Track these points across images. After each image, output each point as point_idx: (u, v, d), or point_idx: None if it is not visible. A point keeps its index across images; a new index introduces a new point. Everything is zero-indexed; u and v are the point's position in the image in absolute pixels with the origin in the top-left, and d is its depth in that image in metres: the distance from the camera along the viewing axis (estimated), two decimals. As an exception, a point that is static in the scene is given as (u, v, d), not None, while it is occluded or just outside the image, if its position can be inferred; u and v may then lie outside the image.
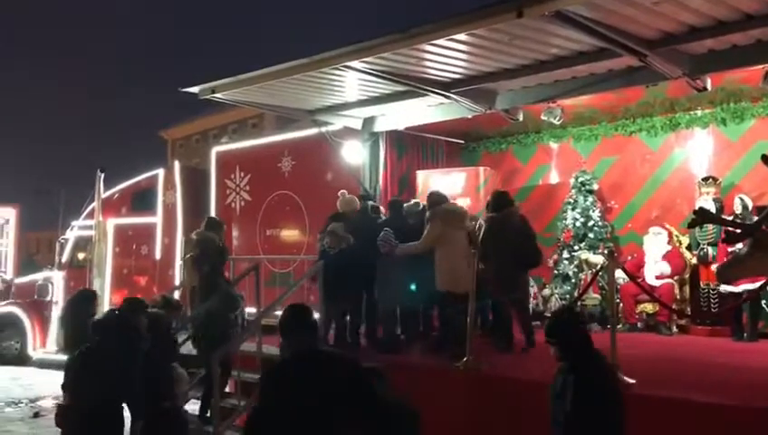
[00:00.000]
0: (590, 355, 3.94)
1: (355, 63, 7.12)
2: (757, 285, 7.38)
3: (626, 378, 5.32)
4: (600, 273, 8.38)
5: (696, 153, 9.40)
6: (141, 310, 5.57)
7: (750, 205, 8.02)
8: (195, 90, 8.43)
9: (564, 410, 3.81)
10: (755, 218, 6.86)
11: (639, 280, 8.86)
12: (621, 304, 9.14)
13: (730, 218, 7.78)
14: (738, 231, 5.67)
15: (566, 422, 3.80)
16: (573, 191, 9.84)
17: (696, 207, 5.85)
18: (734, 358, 6.76)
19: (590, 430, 3.72)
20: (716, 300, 8.44)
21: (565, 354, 3.97)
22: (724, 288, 8.05)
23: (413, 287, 7.39)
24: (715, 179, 8.76)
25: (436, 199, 7.52)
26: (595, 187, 9.81)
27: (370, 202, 8.82)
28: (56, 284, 13.48)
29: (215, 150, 12.60)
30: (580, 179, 9.81)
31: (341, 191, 8.59)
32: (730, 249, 7.28)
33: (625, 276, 9.04)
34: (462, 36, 6.25)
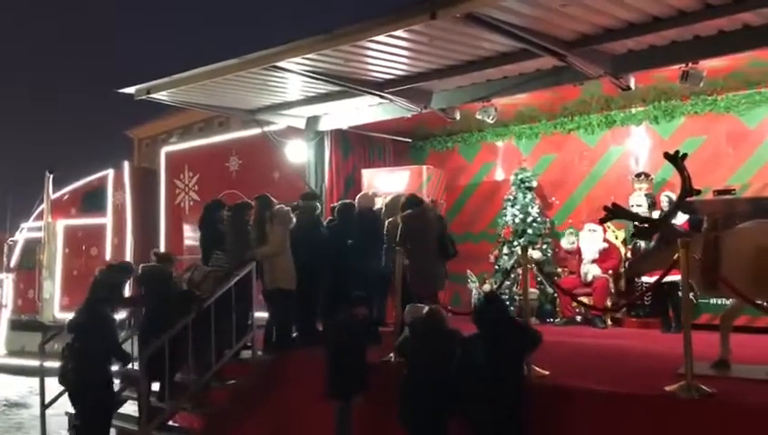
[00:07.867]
0: None
1: (284, 64, 7.16)
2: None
3: (539, 369, 5.51)
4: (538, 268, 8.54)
5: (631, 150, 9.64)
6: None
7: None
8: (131, 90, 8.39)
9: None
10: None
11: (574, 275, 9.17)
12: (558, 299, 9.37)
13: (645, 214, 8.06)
14: (646, 226, 5.86)
15: None
16: (513, 188, 10.03)
17: (615, 203, 5.99)
18: (651, 349, 6.95)
19: None
20: (649, 293, 8.65)
21: None
22: (646, 280, 8.26)
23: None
24: (647, 175, 8.97)
25: (269, 201, 7.68)
26: (534, 184, 9.99)
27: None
28: (5, 286, 13.39)
29: (164, 151, 12.62)
30: (520, 177, 9.99)
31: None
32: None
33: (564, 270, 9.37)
34: (381, 38, 6.33)
